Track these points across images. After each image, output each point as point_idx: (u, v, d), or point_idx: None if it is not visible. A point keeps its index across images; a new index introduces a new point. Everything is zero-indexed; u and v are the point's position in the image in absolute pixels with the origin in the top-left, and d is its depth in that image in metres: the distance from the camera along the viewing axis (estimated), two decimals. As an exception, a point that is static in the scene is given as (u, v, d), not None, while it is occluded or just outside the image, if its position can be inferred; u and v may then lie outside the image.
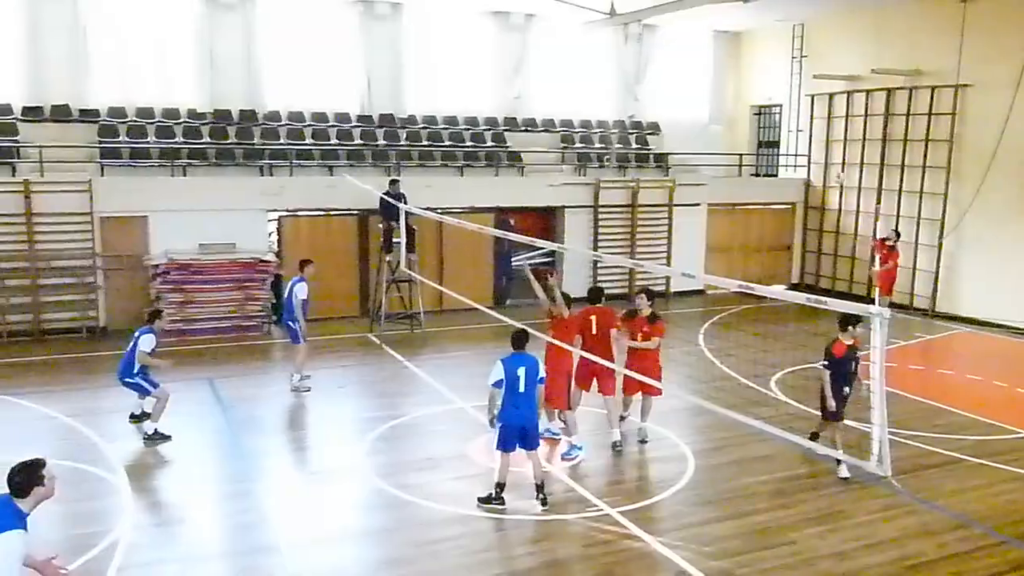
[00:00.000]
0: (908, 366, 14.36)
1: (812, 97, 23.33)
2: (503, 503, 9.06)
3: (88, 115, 18.49)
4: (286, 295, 13.48)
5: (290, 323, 13.37)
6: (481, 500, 9.12)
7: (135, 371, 10.99)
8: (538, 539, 8.51)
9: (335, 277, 18.52)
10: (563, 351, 10.44)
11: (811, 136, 23.50)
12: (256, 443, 11.13)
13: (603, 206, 21.18)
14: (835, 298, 8.08)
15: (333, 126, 20.58)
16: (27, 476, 5.37)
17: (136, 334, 11.07)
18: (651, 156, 23.50)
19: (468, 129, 21.94)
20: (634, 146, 23.71)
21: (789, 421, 10.82)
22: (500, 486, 9.12)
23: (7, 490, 5.35)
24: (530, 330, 9.51)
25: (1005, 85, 18.45)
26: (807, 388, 12.64)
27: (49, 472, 5.47)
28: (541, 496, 9.12)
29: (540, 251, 21.16)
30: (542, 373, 9.14)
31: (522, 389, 8.94)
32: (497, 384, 8.95)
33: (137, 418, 11.36)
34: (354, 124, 20.83)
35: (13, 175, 16.72)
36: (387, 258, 17.27)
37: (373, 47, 20.96)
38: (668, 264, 21.42)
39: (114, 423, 11.45)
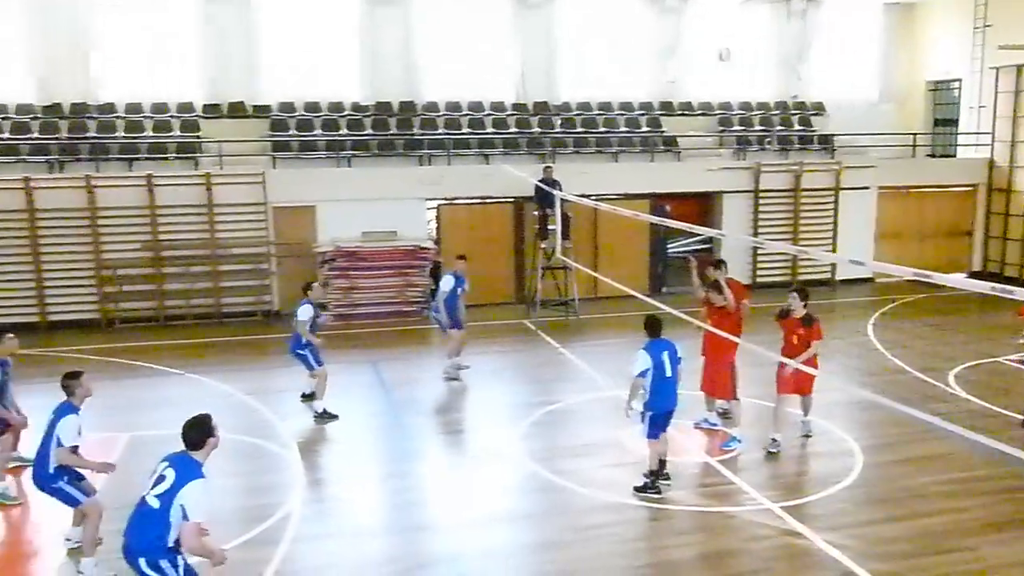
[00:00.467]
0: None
1: (997, 70, 21.66)
2: (659, 491, 9.04)
3: (261, 111, 19.60)
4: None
5: (433, 313, 13.77)
6: (637, 489, 9.11)
7: (303, 343, 11.58)
8: (694, 530, 8.38)
9: (491, 264, 18.80)
10: (725, 341, 10.18)
11: (995, 112, 21.85)
12: (416, 424, 11.51)
13: (764, 191, 20.52)
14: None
15: (489, 115, 20.89)
16: (200, 431, 6.01)
17: (296, 307, 11.66)
18: (815, 138, 22.53)
19: (623, 114, 21.76)
20: (797, 128, 22.81)
21: (969, 419, 10.17)
22: (655, 473, 9.11)
23: (183, 446, 5.98)
24: (686, 317, 9.31)
25: None
26: (990, 384, 11.81)
27: (215, 424, 6.11)
28: (664, 472, 9.17)
29: (697, 238, 20.83)
30: (680, 354, 9.18)
31: (668, 374, 8.97)
32: (643, 374, 8.89)
33: (308, 397, 12.00)
34: (509, 112, 21.07)
35: (196, 168, 17.97)
36: (542, 245, 17.40)
37: (527, 35, 21.13)
38: (834, 251, 20.52)
39: (286, 401, 12.13)
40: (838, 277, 21.05)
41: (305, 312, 11.57)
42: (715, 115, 22.47)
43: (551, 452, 10.32)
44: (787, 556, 7.84)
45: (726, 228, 19.80)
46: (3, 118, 18.29)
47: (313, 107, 20.01)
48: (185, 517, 5.70)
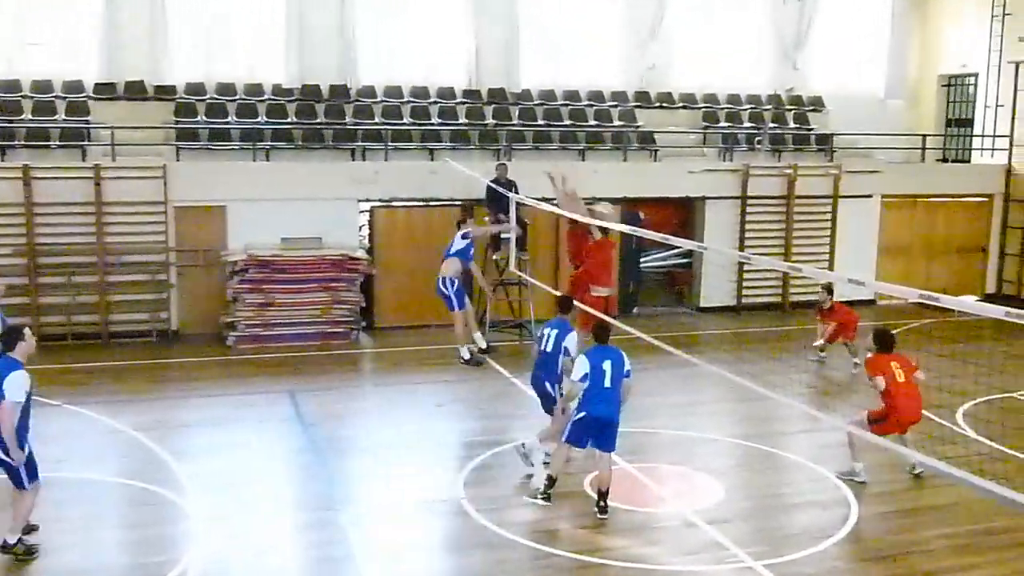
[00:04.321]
0: None
1: (1017, 65, 22.31)
2: (549, 499, 9.94)
3: (164, 92, 19.34)
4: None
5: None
6: (530, 494, 10.03)
7: None
8: (666, 593, 8.44)
9: (433, 278, 18.71)
10: None
11: (1014, 112, 22.48)
12: (340, 467, 11.45)
13: (752, 197, 20.83)
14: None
15: (435, 103, 20.91)
16: (12, 336, 8.69)
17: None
18: (812, 137, 22.95)
19: (592, 106, 21.93)
20: (792, 125, 23.21)
21: (980, 463, 10.35)
22: (552, 480, 10.01)
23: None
24: (657, 342, 9.44)
25: None
26: (1005, 423, 12.11)
27: (28, 332, 8.69)
28: (601, 504, 9.73)
29: (675, 251, 21.07)
30: (628, 367, 9.84)
31: (608, 384, 9.68)
32: (583, 379, 9.70)
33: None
34: (459, 100, 21.11)
35: (83, 159, 17.72)
36: (494, 256, 17.43)
37: (483, 12, 21.16)
38: (831, 268, 20.86)
39: (185, 438, 11.98)
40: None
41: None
42: (699, 109, 22.74)
43: (499, 501, 10.31)
44: (771, 622, 7.94)
45: (708, 240, 20.04)
46: None
47: (227, 89, 19.85)
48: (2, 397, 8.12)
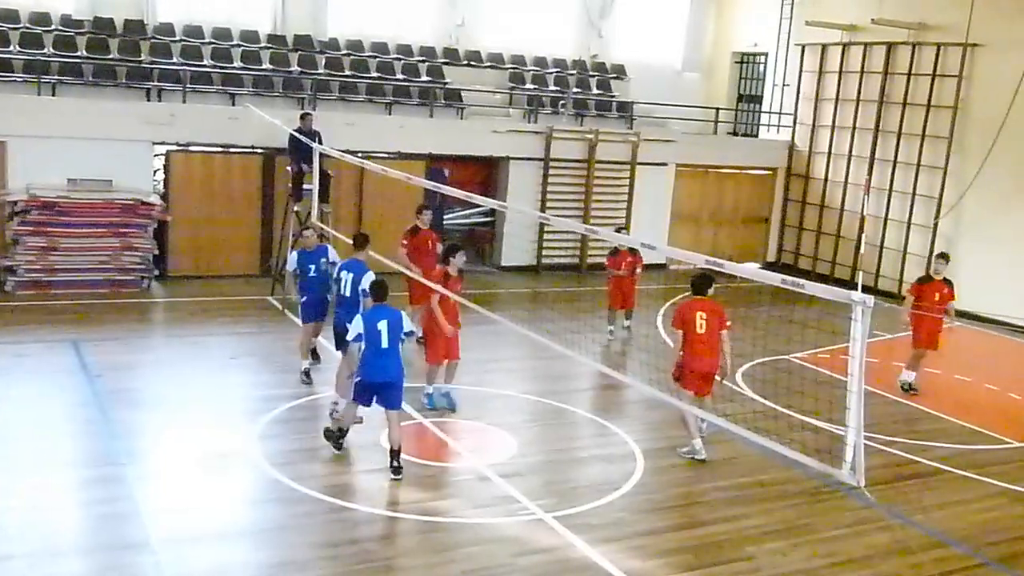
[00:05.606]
0: (891, 363, 14.75)
1: (803, 47, 23.63)
2: (340, 449, 10.14)
3: (-65, 14, 17.82)
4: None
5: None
6: (327, 433, 10.20)
7: None
8: (459, 545, 8.58)
9: (232, 228, 18.29)
10: None
11: (799, 92, 23.84)
12: (128, 420, 10.97)
13: (555, 160, 21.24)
14: (816, 281, 8.23)
15: (238, 46, 20.18)
16: None
17: None
18: (613, 104, 23.59)
19: (400, 59, 21.73)
20: (594, 91, 23.77)
21: (755, 420, 11.05)
22: (343, 431, 10.18)
23: None
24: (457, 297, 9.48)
25: (1020, 47, 18.91)
26: (778, 383, 12.92)
27: None
28: (395, 464, 9.68)
29: (478, 209, 21.27)
30: (408, 327, 9.87)
31: (385, 344, 9.64)
32: (356, 339, 9.68)
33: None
34: (263, 45, 20.47)
35: None
36: (295, 208, 17.09)
37: (291, -48, 20.58)
38: (627, 231, 21.56)
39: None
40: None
41: None
42: (506, 69, 22.95)
43: (294, 455, 10.20)
44: (559, 572, 8.20)
45: (511, 199, 20.33)
46: None
47: (10, 16, 18.41)
48: None
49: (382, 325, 9.62)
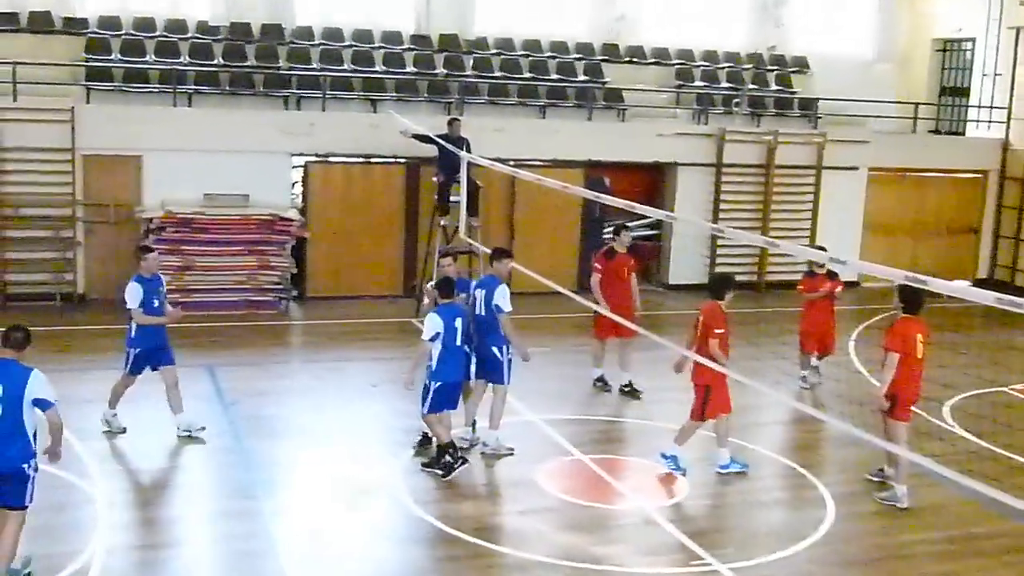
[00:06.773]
0: None
1: (1017, 30, 22.60)
2: (466, 461, 10.44)
3: (73, 25, 18.96)
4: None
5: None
6: (426, 464, 10.51)
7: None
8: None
9: (373, 244, 18.68)
10: None
11: (1013, 82, 22.78)
12: (264, 450, 11.29)
13: (728, 165, 20.92)
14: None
15: (379, 48, 20.69)
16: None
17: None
18: (795, 101, 23.09)
19: (554, 58, 21.85)
20: (773, 87, 23.33)
21: (967, 462, 10.50)
22: (452, 445, 10.41)
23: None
24: (622, 321, 9.34)
25: None
26: (995, 419, 12.30)
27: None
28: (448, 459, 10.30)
29: (643, 221, 21.12)
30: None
31: (459, 342, 10.43)
32: (434, 338, 10.20)
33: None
34: (407, 47, 20.92)
35: (-21, 99, 17.29)
36: (442, 222, 17.32)
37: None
38: (812, 245, 21.03)
39: (88, 415, 11.72)
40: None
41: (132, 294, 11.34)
42: (671, 65, 22.75)
43: (441, 493, 10.25)
44: (737, 631, 7.98)
45: (679, 210, 20.10)
46: None
47: (145, 25, 19.47)
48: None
49: (458, 323, 10.37)
